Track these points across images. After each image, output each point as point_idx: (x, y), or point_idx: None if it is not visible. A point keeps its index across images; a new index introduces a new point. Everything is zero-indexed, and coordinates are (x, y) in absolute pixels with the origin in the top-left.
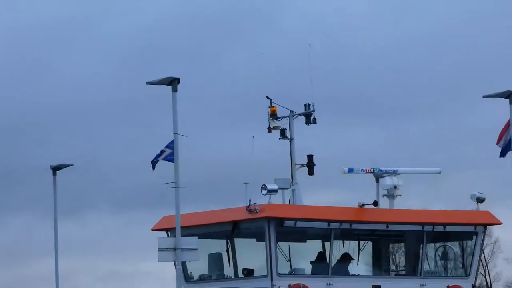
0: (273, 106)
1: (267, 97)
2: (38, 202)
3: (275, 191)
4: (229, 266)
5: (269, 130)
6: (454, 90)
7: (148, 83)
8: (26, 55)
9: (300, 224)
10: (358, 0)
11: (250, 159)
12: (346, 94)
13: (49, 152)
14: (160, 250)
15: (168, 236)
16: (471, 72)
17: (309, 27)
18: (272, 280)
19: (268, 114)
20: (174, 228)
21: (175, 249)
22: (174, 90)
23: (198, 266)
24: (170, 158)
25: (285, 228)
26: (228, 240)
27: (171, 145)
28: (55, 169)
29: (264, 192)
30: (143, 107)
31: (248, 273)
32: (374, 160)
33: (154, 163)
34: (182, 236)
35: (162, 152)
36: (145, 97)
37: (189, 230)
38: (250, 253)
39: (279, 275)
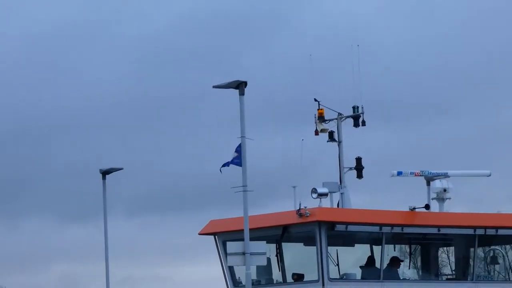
0: (320, 109)
1: (315, 100)
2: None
3: (326, 194)
4: (278, 270)
5: (316, 132)
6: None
7: (214, 86)
8: (45, 58)
9: (351, 228)
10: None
11: (298, 163)
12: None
13: (68, 156)
14: (229, 254)
15: (215, 240)
16: None
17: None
18: (323, 285)
19: (316, 117)
20: (221, 232)
21: (243, 253)
22: (241, 93)
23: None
24: (237, 162)
25: (336, 232)
26: (277, 244)
27: (238, 149)
28: (105, 173)
29: (315, 195)
30: (163, 109)
31: (298, 278)
32: (423, 163)
33: (225, 165)
34: (229, 240)
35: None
36: (164, 99)
37: (237, 234)
38: (298, 258)
39: (331, 279)
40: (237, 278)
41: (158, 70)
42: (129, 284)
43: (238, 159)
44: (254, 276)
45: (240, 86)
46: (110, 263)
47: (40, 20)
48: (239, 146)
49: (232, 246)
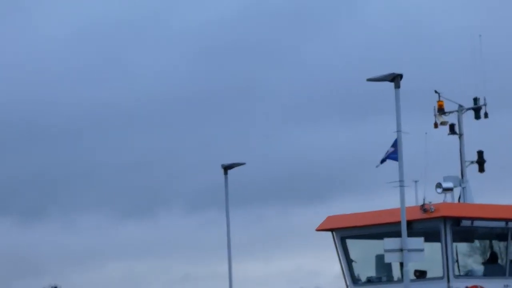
0: (440, 101)
1: (435, 91)
2: (108, 202)
3: (451, 189)
4: (398, 267)
5: (436, 125)
6: None
7: (368, 79)
8: (96, 53)
9: (477, 223)
10: None
11: (422, 156)
12: None
13: (122, 152)
14: (386, 251)
15: (333, 236)
16: None
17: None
18: (448, 281)
19: (435, 109)
20: (339, 228)
21: (401, 250)
22: (397, 86)
23: (365, 268)
24: (394, 156)
25: (461, 228)
26: None
27: (394, 144)
28: (227, 168)
29: (439, 190)
30: (219, 104)
31: (420, 274)
32: None
33: (382, 161)
34: (346, 237)
35: (388, 151)
36: (216, 95)
37: (356, 230)
38: None
39: (456, 276)
40: (356, 275)
41: (213, 62)
42: (190, 281)
43: (394, 154)
44: (374, 273)
45: (395, 79)
46: (169, 260)
47: (88, 15)
48: (395, 140)
49: (389, 243)
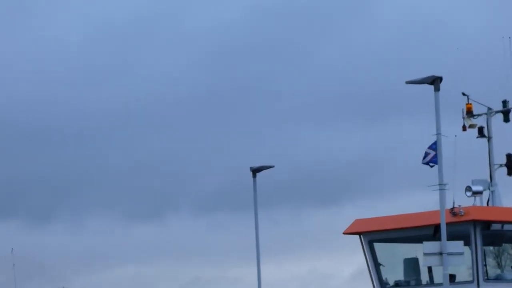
0: (469, 103)
1: (463, 94)
2: (116, 204)
3: (481, 192)
4: (426, 271)
5: (464, 128)
6: None
7: (407, 82)
8: (107, 55)
9: (507, 227)
10: None
11: (451, 159)
12: None
13: (130, 154)
14: (425, 254)
15: (360, 240)
16: None
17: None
18: (478, 286)
19: (464, 112)
20: (367, 231)
21: (441, 253)
22: (437, 89)
23: (393, 272)
24: (434, 160)
25: (491, 232)
26: None
27: (433, 147)
28: (255, 171)
29: (469, 193)
30: (229, 106)
31: (449, 278)
32: None
33: (426, 163)
34: (375, 241)
35: (426, 154)
36: (227, 96)
37: (385, 234)
38: None
39: (486, 280)
40: (384, 279)
41: (224, 64)
42: (199, 285)
43: (434, 157)
44: (402, 277)
45: (435, 81)
46: (177, 263)
47: (102, 14)
48: (434, 143)
49: (428, 246)
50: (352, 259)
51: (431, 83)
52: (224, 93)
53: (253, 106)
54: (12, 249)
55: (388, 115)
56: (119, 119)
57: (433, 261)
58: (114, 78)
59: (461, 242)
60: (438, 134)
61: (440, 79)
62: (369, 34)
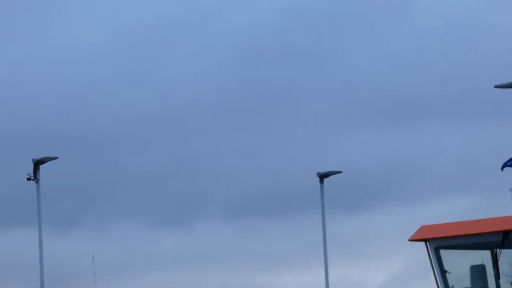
0: None
1: None
2: (143, 211)
3: None
4: (493, 279)
5: None
6: None
7: (496, 86)
8: (136, 58)
9: None
10: None
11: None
12: None
13: (156, 160)
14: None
15: (426, 247)
16: None
17: None
18: None
19: None
20: (433, 238)
21: None
22: None
23: (460, 279)
24: (510, 164)
25: None
26: (494, 251)
27: None
28: (323, 176)
29: None
30: (255, 110)
31: None
32: None
33: (504, 166)
34: (440, 247)
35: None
36: (259, 99)
37: (452, 240)
38: None
39: None
40: (450, 286)
41: (254, 66)
42: None
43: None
44: (469, 284)
45: None
46: (206, 271)
47: (127, 17)
48: None
49: None
50: (384, 265)
51: None
52: (253, 96)
53: (284, 109)
54: (93, 255)
55: (422, 119)
56: (146, 125)
57: None
58: (141, 83)
59: None
60: None
61: None
62: (403, 35)
